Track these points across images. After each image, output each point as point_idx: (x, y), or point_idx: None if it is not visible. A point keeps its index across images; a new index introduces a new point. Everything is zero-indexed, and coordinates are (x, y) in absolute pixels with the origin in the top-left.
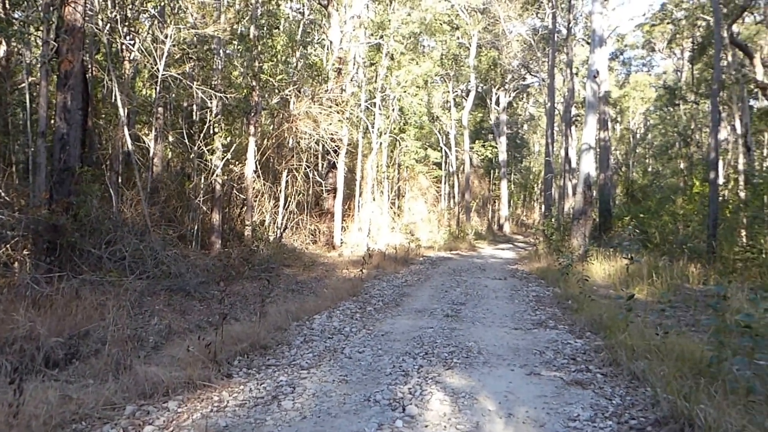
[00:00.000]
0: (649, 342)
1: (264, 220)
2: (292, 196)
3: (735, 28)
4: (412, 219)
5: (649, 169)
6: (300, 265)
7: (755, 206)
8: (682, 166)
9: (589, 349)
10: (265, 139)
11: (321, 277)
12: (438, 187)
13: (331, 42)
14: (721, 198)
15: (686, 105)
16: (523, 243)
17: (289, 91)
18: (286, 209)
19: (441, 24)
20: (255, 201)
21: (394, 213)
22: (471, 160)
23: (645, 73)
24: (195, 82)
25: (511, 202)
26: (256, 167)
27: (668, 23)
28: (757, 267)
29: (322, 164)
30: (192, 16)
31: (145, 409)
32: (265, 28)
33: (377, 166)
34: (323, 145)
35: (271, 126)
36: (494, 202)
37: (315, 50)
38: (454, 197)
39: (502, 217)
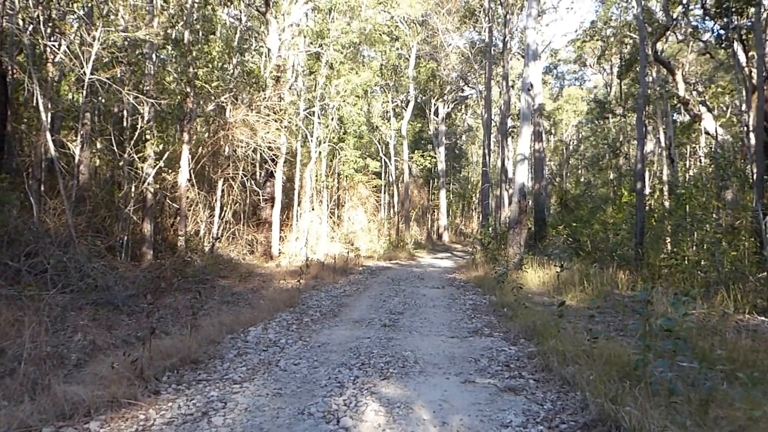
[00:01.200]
0: (579, 347)
1: (198, 231)
2: (228, 206)
3: (659, 46)
4: (352, 228)
5: (582, 180)
6: (236, 276)
7: (678, 215)
8: (611, 176)
9: (523, 355)
10: (200, 147)
11: (258, 288)
12: (378, 196)
13: (269, 50)
14: (647, 207)
15: (615, 118)
16: (462, 252)
17: (226, 99)
18: (222, 219)
19: (381, 35)
20: (189, 210)
21: (334, 223)
22: (410, 169)
23: (577, 87)
24: (125, 87)
25: (450, 211)
26: (191, 176)
27: (598, 40)
28: (680, 273)
29: (260, 173)
30: (123, 18)
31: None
32: (200, 34)
33: (316, 176)
34: (261, 154)
35: (207, 134)
36: (433, 211)
37: (252, 57)
38: (393, 207)
39: (441, 227)
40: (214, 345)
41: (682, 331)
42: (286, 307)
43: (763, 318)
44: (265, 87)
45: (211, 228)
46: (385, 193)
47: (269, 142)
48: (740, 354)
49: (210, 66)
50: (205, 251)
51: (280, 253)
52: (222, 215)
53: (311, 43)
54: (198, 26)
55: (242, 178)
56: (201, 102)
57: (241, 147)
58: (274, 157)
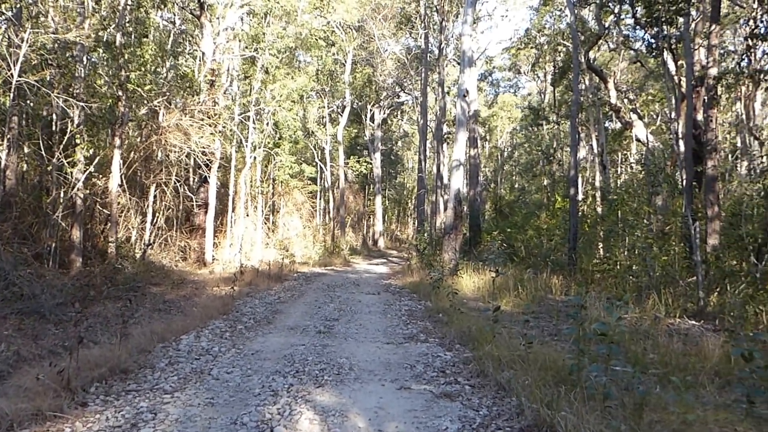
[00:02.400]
0: (515, 352)
1: (130, 237)
2: (161, 212)
3: (592, 54)
4: (287, 235)
5: (516, 186)
6: (168, 284)
7: (611, 221)
8: (545, 182)
9: (458, 361)
10: (132, 152)
11: (190, 295)
12: (313, 202)
13: (203, 53)
14: (580, 213)
15: (549, 125)
16: (398, 258)
17: (159, 102)
18: (154, 225)
19: (317, 40)
20: (120, 216)
21: (269, 229)
22: (346, 175)
23: (512, 94)
24: (55, 90)
25: (386, 217)
26: (122, 181)
27: (532, 47)
28: (612, 278)
29: (194, 179)
30: (53, 20)
31: None
32: (132, 36)
33: (251, 181)
34: (195, 159)
35: (139, 138)
36: (369, 217)
37: (186, 61)
38: (329, 213)
39: (377, 233)
40: (145, 354)
41: (615, 335)
42: (220, 315)
43: (693, 322)
44: (199, 91)
45: (143, 234)
46: (320, 199)
47: (203, 147)
48: (672, 358)
49: (143, 69)
50: (136, 258)
51: (213, 259)
52: (154, 221)
53: (246, 47)
54: (131, 29)
55: (175, 183)
56: (133, 106)
57: (175, 152)
58: (208, 162)
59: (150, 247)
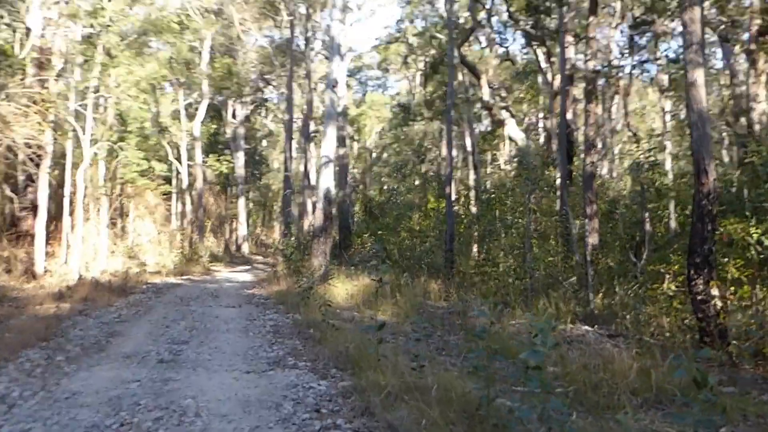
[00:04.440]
0: (405, 379)
1: None
2: None
3: (463, 51)
4: (139, 241)
5: (385, 187)
6: None
7: (487, 220)
8: (416, 182)
9: (336, 393)
10: None
11: (7, 316)
12: (169, 205)
13: (29, 29)
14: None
15: (419, 124)
16: (263, 264)
17: None
18: None
19: (169, 23)
20: None
21: (115, 235)
22: (205, 175)
23: (381, 93)
24: None
25: (250, 221)
26: None
27: (402, 42)
28: (493, 280)
29: (22, 177)
30: None
31: None
32: None
33: (91, 180)
34: (18, 153)
35: None
36: (232, 221)
37: (1, 32)
38: (186, 216)
39: (241, 237)
40: None
41: (509, 349)
42: (38, 341)
43: (586, 327)
44: (22, 72)
45: None
46: (177, 202)
47: (28, 138)
48: (579, 373)
49: None
50: None
51: (46, 271)
52: None
53: (84, 26)
54: None
55: None
56: None
57: None
58: (35, 157)
59: None
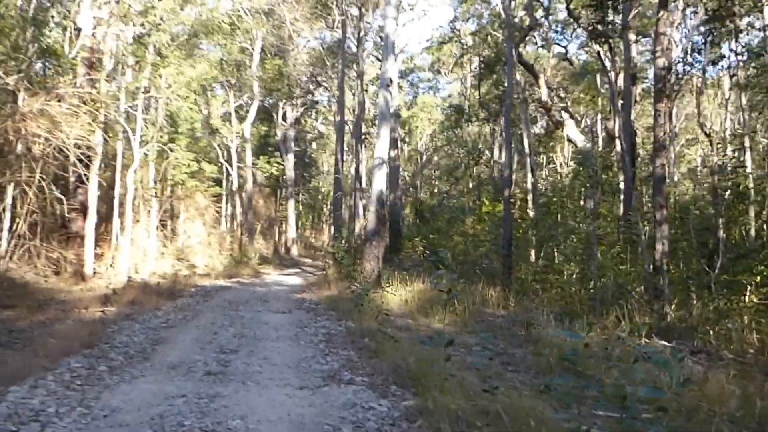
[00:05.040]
0: (476, 402)
1: None
2: (22, 216)
3: (519, 50)
4: (188, 243)
5: (436, 190)
6: (26, 306)
7: (547, 225)
8: (471, 185)
9: (399, 416)
10: None
11: (52, 320)
12: (219, 207)
13: (80, 29)
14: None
15: (474, 125)
16: (312, 267)
17: (16, 81)
18: (13, 232)
19: (220, 24)
20: None
21: (165, 237)
22: (255, 177)
23: (432, 95)
24: None
25: (300, 223)
26: None
27: (456, 41)
28: (556, 288)
29: (73, 178)
30: None
31: None
32: None
33: (141, 182)
34: (69, 154)
35: None
36: (281, 223)
37: (51, 30)
38: (236, 218)
39: (290, 240)
40: None
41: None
42: (82, 348)
43: (663, 342)
44: (73, 71)
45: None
46: (227, 204)
47: (78, 139)
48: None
49: None
50: None
51: (95, 273)
52: (15, 228)
53: (135, 25)
54: None
55: (40, 182)
56: None
57: (39, 144)
58: (86, 158)
59: (2, 259)
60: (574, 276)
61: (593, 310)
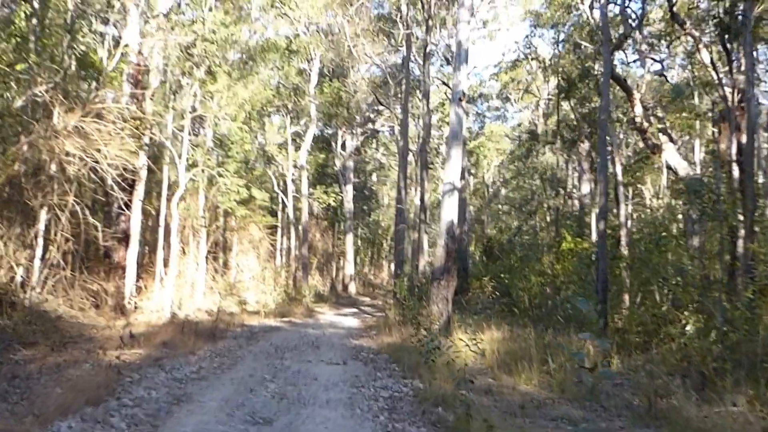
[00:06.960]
0: None
1: (14, 277)
2: (56, 244)
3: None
4: (241, 277)
5: (503, 226)
6: (49, 343)
7: (653, 265)
8: (547, 219)
9: None
10: (11, 161)
11: (69, 362)
12: (273, 239)
13: (118, 40)
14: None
15: (546, 154)
16: (370, 306)
17: (51, 94)
18: (46, 261)
19: (275, 42)
20: None
21: (216, 270)
22: (311, 208)
23: (500, 124)
24: None
25: (358, 259)
26: None
27: (533, 59)
28: (669, 341)
29: (117, 204)
30: None
31: None
32: None
33: (188, 210)
34: (110, 178)
35: (21, 143)
36: (339, 259)
37: (84, 37)
38: (291, 252)
39: (348, 276)
40: None
41: None
42: (86, 405)
43: None
44: (113, 86)
45: (32, 274)
46: (282, 236)
47: (116, 159)
48: None
49: (12, 40)
50: (23, 305)
51: (136, 307)
52: (47, 257)
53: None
54: None
55: (73, 206)
56: (4, 94)
57: (74, 164)
58: (127, 182)
59: (33, 290)
60: (706, 330)
61: (731, 373)
